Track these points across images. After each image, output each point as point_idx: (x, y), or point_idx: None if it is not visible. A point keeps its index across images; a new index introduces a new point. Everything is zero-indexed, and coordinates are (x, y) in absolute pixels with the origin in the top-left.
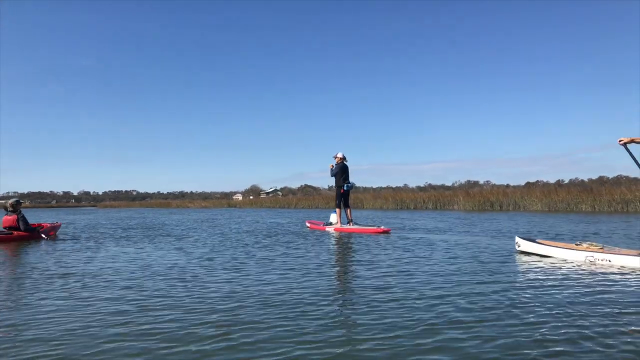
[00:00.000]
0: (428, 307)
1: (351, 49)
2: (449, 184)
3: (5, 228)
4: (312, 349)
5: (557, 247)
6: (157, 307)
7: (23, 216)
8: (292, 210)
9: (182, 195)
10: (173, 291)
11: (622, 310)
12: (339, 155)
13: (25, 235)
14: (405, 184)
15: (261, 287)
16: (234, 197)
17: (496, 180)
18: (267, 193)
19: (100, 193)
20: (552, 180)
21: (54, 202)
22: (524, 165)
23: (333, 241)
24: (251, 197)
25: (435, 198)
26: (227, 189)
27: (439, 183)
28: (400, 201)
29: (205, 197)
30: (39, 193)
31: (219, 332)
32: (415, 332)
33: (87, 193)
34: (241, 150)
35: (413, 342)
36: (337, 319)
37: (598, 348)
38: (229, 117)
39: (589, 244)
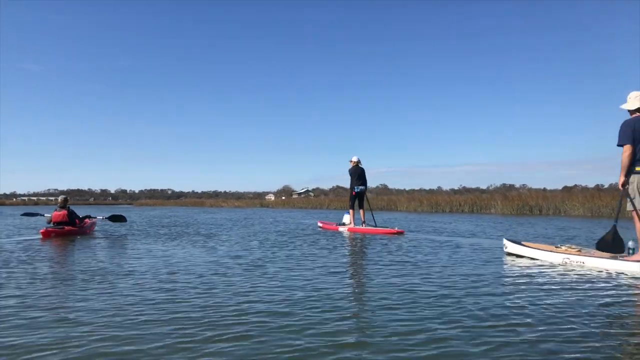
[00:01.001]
0: (411, 305)
1: (381, 49)
2: (484, 186)
3: (55, 223)
4: (316, 341)
5: (538, 249)
6: (178, 301)
7: (72, 211)
8: (324, 210)
9: (215, 194)
10: (197, 288)
11: (583, 309)
12: (354, 159)
13: (74, 229)
14: (438, 187)
15: (268, 285)
16: (266, 197)
17: (533, 184)
18: (299, 194)
19: (136, 191)
20: (591, 185)
21: (91, 199)
22: (562, 169)
23: (347, 241)
24: (283, 198)
25: (471, 201)
26: (259, 189)
27: (473, 186)
28: (436, 204)
29: (238, 196)
30: (78, 190)
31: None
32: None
33: (124, 191)
34: (274, 152)
35: (405, 343)
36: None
37: (559, 344)
38: (262, 120)
39: (567, 247)
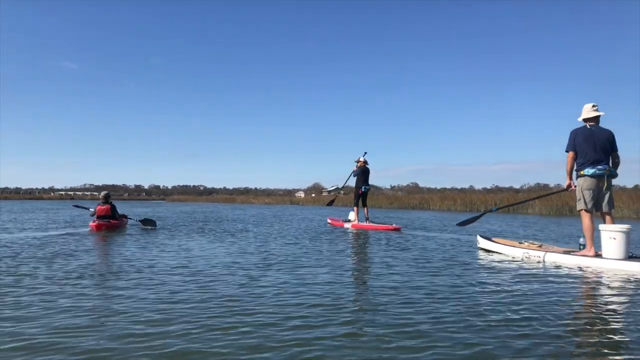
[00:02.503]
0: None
1: (409, 48)
2: (517, 186)
3: (99, 217)
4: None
5: (504, 244)
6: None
7: (114, 206)
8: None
9: (246, 191)
10: (189, 282)
11: (535, 299)
12: (362, 159)
13: (117, 223)
14: (470, 185)
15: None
16: (296, 195)
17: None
18: (329, 191)
19: (169, 187)
20: (629, 185)
21: (125, 194)
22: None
23: (349, 237)
24: (313, 195)
25: (507, 201)
26: (289, 187)
27: (506, 185)
28: (470, 203)
29: (268, 193)
30: (113, 186)
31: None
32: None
33: (157, 187)
34: (304, 150)
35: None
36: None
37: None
38: (293, 119)
39: (529, 243)
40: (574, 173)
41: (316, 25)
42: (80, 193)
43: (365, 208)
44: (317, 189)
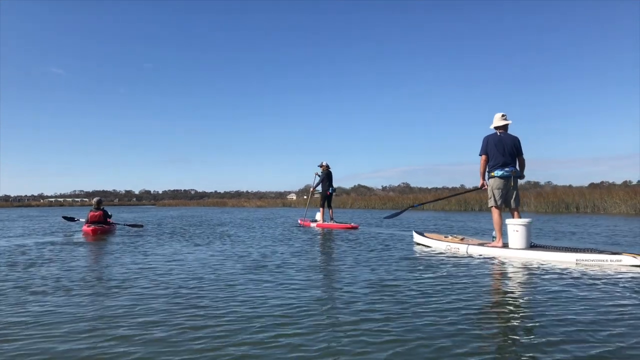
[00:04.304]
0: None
1: (389, 49)
2: None
3: (91, 222)
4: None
5: (432, 238)
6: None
7: (106, 212)
8: (347, 210)
9: (238, 194)
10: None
11: (447, 286)
12: (324, 163)
13: (110, 227)
14: (461, 185)
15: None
16: (288, 197)
17: (557, 181)
18: (320, 193)
19: (160, 192)
20: (618, 182)
21: (116, 200)
22: (586, 166)
23: (310, 236)
24: (305, 197)
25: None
26: (281, 189)
27: None
28: (465, 202)
29: (260, 196)
30: (103, 192)
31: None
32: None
33: (148, 192)
34: (295, 152)
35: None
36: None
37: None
38: (284, 121)
39: (452, 237)
40: (486, 174)
41: (303, 28)
42: (70, 200)
43: (330, 209)
44: (308, 190)
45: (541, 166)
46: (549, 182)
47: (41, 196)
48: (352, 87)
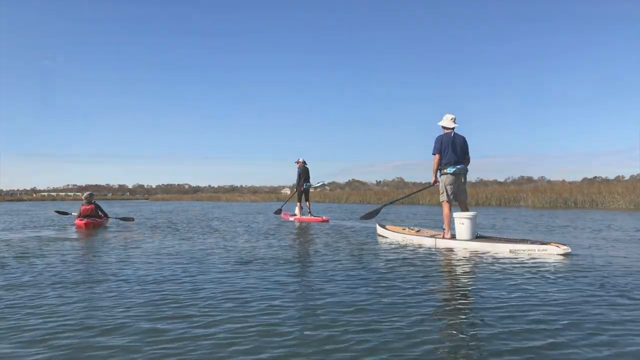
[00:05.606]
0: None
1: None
2: (501, 179)
3: (83, 216)
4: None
5: (392, 231)
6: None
7: (99, 206)
8: (342, 204)
9: (232, 189)
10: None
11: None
12: (300, 160)
13: (102, 221)
14: None
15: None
16: (282, 192)
17: (551, 177)
18: (315, 187)
19: (153, 186)
20: (611, 177)
21: (109, 194)
22: (579, 162)
23: (287, 229)
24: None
25: (499, 194)
26: (275, 184)
27: (490, 178)
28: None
29: (254, 191)
30: (96, 186)
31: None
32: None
33: (142, 186)
34: (290, 147)
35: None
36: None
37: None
38: (278, 114)
39: (409, 229)
40: (439, 172)
41: (294, 22)
42: (63, 194)
43: (308, 202)
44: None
45: (535, 161)
46: (542, 177)
47: (34, 190)
48: (346, 82)
